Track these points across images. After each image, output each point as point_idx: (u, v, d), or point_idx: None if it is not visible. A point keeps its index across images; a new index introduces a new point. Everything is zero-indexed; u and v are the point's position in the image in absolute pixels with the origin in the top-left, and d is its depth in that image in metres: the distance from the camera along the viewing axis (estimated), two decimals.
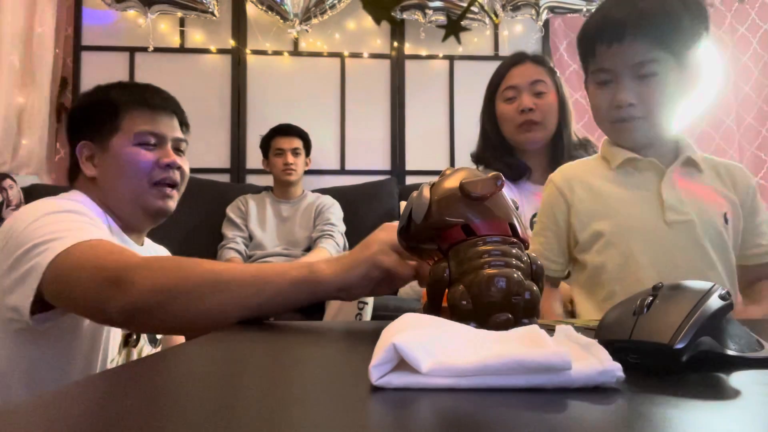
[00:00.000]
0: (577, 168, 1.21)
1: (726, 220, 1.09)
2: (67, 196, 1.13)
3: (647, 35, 1.02)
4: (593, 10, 1.14)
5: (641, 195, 1.11)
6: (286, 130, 2.95)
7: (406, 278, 0.79)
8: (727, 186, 1.12)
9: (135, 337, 1.19)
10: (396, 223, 0.76)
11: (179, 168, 1.19)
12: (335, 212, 2.86)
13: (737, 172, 1.15)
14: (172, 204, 1.20)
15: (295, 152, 2.92)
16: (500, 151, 1.71)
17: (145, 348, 1.23)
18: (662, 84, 1.04)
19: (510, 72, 1.72)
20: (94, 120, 1.17)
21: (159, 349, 1.27)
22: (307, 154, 2.99)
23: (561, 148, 1.70)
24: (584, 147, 1.76)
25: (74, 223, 0.98)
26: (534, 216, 1.67)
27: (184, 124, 1.26)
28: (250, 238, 2.82)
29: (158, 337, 1.27)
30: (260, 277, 0.83)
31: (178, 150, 1.22)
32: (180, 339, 1.28)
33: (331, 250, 2.66)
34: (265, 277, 0.83)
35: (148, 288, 0.83)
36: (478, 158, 1.76)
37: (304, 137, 2.96)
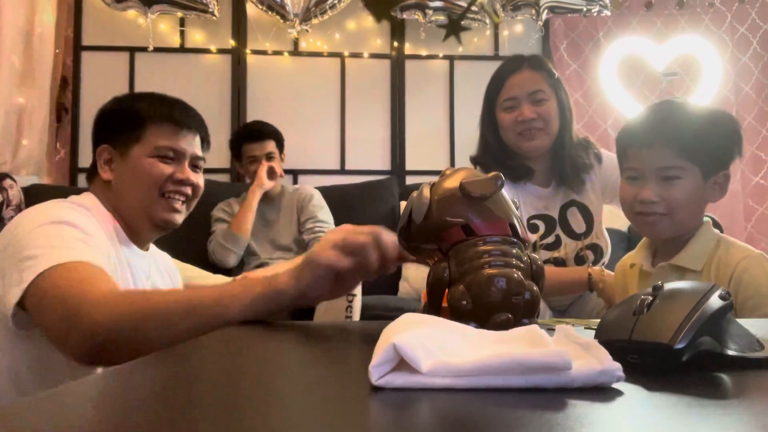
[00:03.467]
0: (627, 262, 1.35)
1: None
2: (78, 201, 1.15)
3: (673, 145, 1.15)
4: (636, 115, 1.26)
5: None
6: (256, 135, 2.70)
7: (349, 271, 0.80)
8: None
9: None
10: (348, 226, 0.79)
11: (192, 184, 1.22)
12: (317, 203, 2.71)
13: (733, 268, 1.14)
14: (179, 218, 1.22)
15: (269, 157, 2.68)
16: (501, 156, 1.70)
17: None
18: (684, 187, 1.16)
19: (508, 81, 1.69)
20: (119, 127, 1.20)
21: None
22: (281, 151, 2.76)
23: (563, 151, 1.70)
24: (584, 147, 1.75)
25: (66, 240, 0.99)
26: (531, 218, 1.68)
27: (205, 142, 1.30)
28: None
29: None
30: (225, 297, 0.85)
31: (195, 167, 1.25)
32: None
33: None
34: (230, 296, 0.85)
35: (111, 321, 0.85)
36: (477, 162, 1.75)
37: (276, 137, 2.73)
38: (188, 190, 1.22)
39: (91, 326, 0.85)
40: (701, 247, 1.19)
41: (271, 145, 2.69)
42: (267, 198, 2.71)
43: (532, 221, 1.69)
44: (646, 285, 1.22)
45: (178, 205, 1.21)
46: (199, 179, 1.25)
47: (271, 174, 2.66)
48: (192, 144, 1.25)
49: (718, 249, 1.19)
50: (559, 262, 1.68)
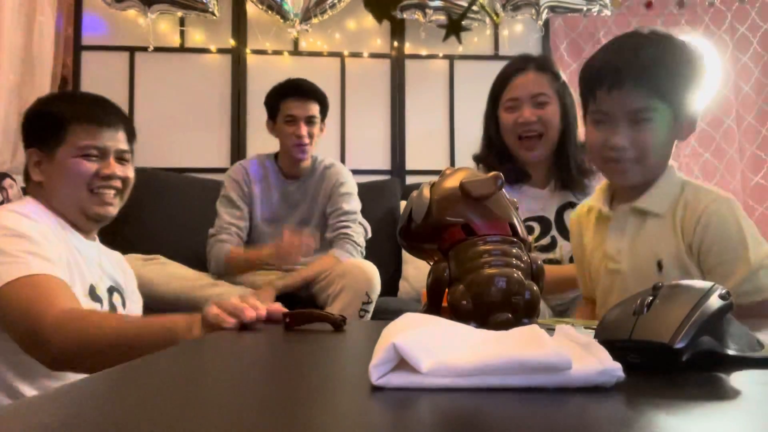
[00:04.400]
0: (584, 207, 1.30)
1: (660, 268, 1.09)
2: (21, 209, 1.21)
3: (645, 85, 1.06)
4: (598, 51, 1.16)
5: (599, 242, 1.20)
6: (300, 91, 2.31)
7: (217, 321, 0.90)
8: (676, 231, 1.10)
9: None
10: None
11: (120, 177, 1.30)
12: (346, 190, 2.35)
13: (701, 211, 1.09)
14: (113, 210, 1.30)
15: (309, 121, 2.29)
16: (503, 155, 1.68)
17: None
18: (656, 130, 1.09)
19: (512, 81, 1.67)
20: (43, 130, 1.28)
21: None
22: (323, 119, 2.38)
23: (566, 157, 1.67)
24: (584, 150, 1.75)
25: (27, 251, 1.10)
26: (527, 219, 1.65)
27: (131, 134, 1.36)
28: (250, 229, 2.32)
29: None
30: (154, 333, 1.00)
31: (122, 159, 1.32)
32: None
33: (343, 256, 2.19)
34: (154, 333, 1.01)
35: (64, 347, 1.01)
36: (479, 160, 1.73)
37: (322, 100, 2.35)
38: (117, 183, 1.29)
39: (48, 348, 1.02)
40: (665, 190, 1.12)
41: (314, 108, 2.31)
42: (295, 171, 2.35)
43: (527, 223, 1.65)
44: (605, 230, 1.17)
45: (109, 198, 1.28)
46: (127, 171, 1.32)
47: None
48: (115, 139, 1.30)
49: (684, 192, 1.11)
50: (554, 264, 1.66)
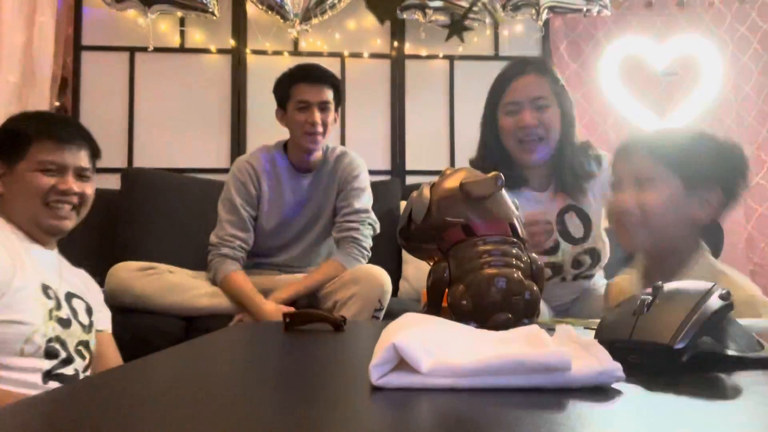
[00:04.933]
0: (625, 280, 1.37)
1: None
2: None
3: (654, 152, 1.19)
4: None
5: None
6: (314, 76, 2.13)
7: None
8: None
9: (66, 317, 1.32)
10: None
11: (77, 193, 1.36)
12: (359, 184, 2.19)
13: None
14: (68, 223, 1.36)
15: (323, 107, 2.11)
16: (500, 161, 1.65)
17: (77, 333, 1.34)
18: (662, 193, 1.19)
19: (512, 85, 1.65)
20: (7, 145, 1.35)
21: (92, 337, 1.40)
22: (337, 107, 2.19)
23: (563, 160, 1.66)
24: (585, 152, 1.71)
25: None
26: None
27: (94, 153, 1.42)
28: (256, 228, 2.17)
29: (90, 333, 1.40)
30: None
31: (82, 176, 1.38)
32: (109, 357, 1.46)
33: (350, 265, 2.05)
34: None
35: None
36: (476, 165, 1.64)
37: (335, 85, 2.17)
38: (74, 199, 1.36)
39: None
40: (698, 275, 1.13)
41: (328, 93, 2.12)
42: (306, 163, 2.18)
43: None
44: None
45: (64, 212, 1.34)
46: (85, 188, 1.38)
47: None
48: (76, 156, 1.37)
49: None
50: (557, 267, 1.65)
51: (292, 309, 1.94)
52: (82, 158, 1.39)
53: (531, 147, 1.63)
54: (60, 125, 1.40)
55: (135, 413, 0.38)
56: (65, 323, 1.30)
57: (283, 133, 2.26)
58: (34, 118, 1.42)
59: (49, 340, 1.26)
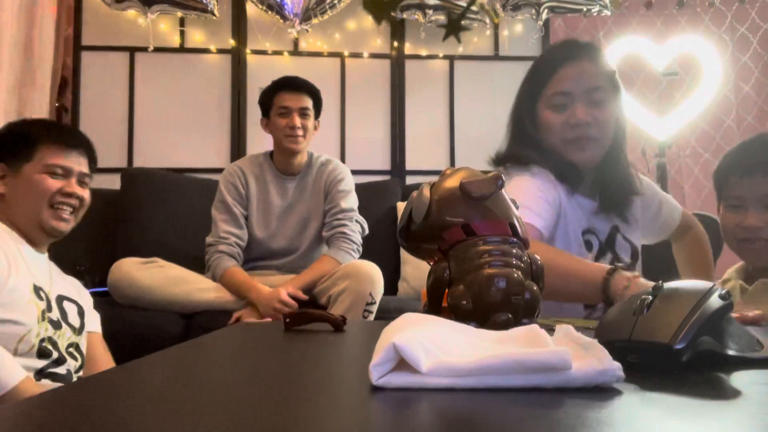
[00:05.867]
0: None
1: None
2: None
3: None
4: (729, 151, 1.37)
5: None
6: (293, 85, 2.32)
7: None
8: None
9: (56, 319, 1.34)
10: None
11: (79, 197, 1.41)
12: (344, 187, 2.31)
13: None
14: (66, 226, 1.40)
15: (303, 113, 2.28)
16: (540, 160, 1.34)
17: (67, 335, 1.36)
18: None
19: (561, 71, 1.33)
20: (12, 147, 1.38)
21: (81, 339, 1.42)
22: (317, 115, 2.37)
23: (613, 169, 1.36)
24: (630, 165, 1.43)
25: None
26: (585, 232, 1.35)
27: (93, 161, 1.48)
28: (247, 228, 2.26)
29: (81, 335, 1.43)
30: None
31: (82, 182, 1.44)
32: (100, 358, 1.48)
33: (342, 258, 2.15)
34: None
35: None
36: (507, 158, 1.38)
37: (314, 94, 2.35)
38: (75, 202, 1.41)
39: None
40: None
41: (307, 100, 2.31)
42: (291, 167, 2.32)
43: (585, 236, 1.34)
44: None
45: (66, 214, 1.39)
46: (85, 193, 1.44)
47: None
48: (79, 162, 1.42)
49: None
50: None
51: (290, 290, 2.03)
52: (84, 165, 1.44)
53: (581, 143, 1.32)
54: (66, 131, 1.46)
55: (134, 414, 0.38)
56: (56, 325, 1.33)
57: None
58: (38, 123, 1.46)
59: (42, 341, 1.27)
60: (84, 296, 1.51)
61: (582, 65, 1.33)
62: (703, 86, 3.37)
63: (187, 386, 0.47)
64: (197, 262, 2.23)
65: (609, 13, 3.38)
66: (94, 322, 1.51)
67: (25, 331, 1.24)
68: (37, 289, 1.30)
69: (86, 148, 1.46)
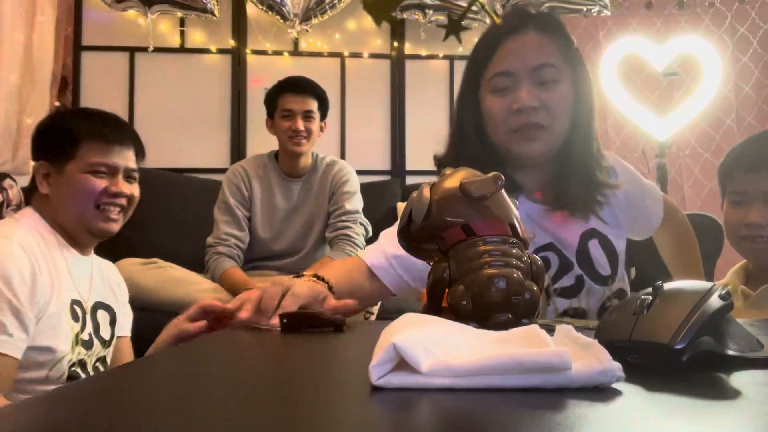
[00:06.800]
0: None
1: None
2: (11, 231, 1.22)
3: None
4: (734, 146, 1.34)
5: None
6: (298, 87, 2.29)
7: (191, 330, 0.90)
8: None
9: (88, 338, 1.30)
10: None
11: (126, 196, 1.33)
12: (350, 189, 2.30)
13: None
14: (116, 226, 1.33)
15: (307, 116, 2.25)
16: (483, 158, 1.09)
17: (96, 351, 1.33)
18: None
19: (503, 47, 1.08)
20: (54, 145, 1.30)
21: (109, 352, 1.38)
22: (323, 117, 2.33)
23: (573, 162, 1.11)
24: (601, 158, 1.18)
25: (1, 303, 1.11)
26: (538, 249, 1.11)
27: (140, 153, 1.39)
28: (251, 231, 2.26)
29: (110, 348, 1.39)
30: None
31: (130, 177, 1.35)
32: (125, 353, 1.45)
33: (347, 253, 2.14)
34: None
35: None
36: (443, 163, 1.16)
37: (320, 96, 2.32)
38: (123, 201, 1.32)
39: None
40: None
41: (312, 103, 2.28)
42: (295, 168, 2.31)
43: (542, 253, 1.10)
44: (739, 308, 1.24)
45: (113, 215, 1.31)
46: (134, 190, 1.35)
47: None
48: (125, 157, 1.33)
49: None
50: (579, 314, 1.11)
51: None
52: (130, 159, 1.35)
53: (529, 132, 1.07)
54: (109, 125, 1.36)
55: (133, 414, 0.38)
56: (87, 345, 1.29)
57: None
58: (81, 117, 1.36)
59: (72, 365, 1.24)
60: (121, 288, 1.47)
61: (526, 38, 1.09)
62: (703, 86, 3.37)
63: (186, 387, 0.47)
64: (197, 263, 2.23)
65: (609, 13, 3.38)
66: (124, 324, 1.45)
67: (59, 357, 1.20)
68: (74, 306, 1.26)
69: (131, 139, 1.37)
